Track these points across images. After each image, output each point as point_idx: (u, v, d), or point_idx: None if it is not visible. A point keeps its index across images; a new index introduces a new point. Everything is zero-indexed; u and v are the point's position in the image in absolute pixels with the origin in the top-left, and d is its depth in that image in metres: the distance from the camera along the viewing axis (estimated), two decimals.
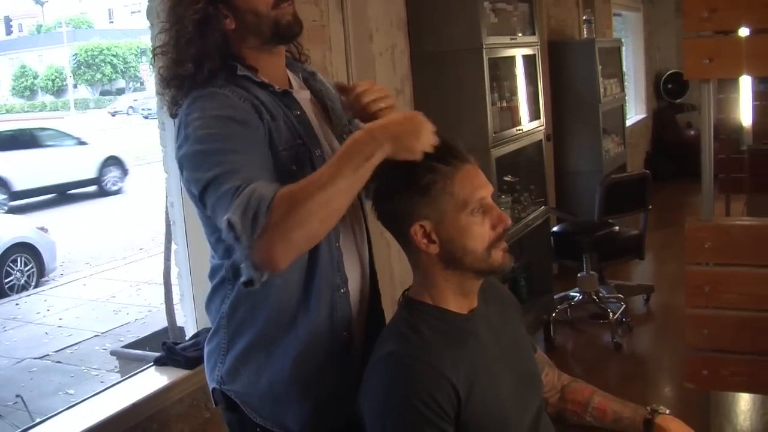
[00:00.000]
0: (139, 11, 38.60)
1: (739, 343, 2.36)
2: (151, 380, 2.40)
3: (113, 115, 30.04)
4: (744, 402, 3.58)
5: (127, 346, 3.15)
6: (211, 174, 1.40)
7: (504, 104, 4.05)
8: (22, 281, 8.35)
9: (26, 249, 8.41)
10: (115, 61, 36.33)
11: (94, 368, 5.89)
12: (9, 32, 38.47)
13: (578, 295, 4.87)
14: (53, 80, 36.79)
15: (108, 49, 36.08)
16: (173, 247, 2.66)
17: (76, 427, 2.13)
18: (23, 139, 12.98)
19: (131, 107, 30.57)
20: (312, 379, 1.59)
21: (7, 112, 34.25)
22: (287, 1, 1.58)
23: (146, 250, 9.57)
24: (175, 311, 2.75)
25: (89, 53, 35.85)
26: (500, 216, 1.47)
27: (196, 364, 2.37)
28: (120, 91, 36.81)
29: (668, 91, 9.92)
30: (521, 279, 4.41)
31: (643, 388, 3.98)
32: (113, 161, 13.96)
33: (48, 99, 36.00)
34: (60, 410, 2.26)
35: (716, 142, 2.36)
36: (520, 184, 4.28)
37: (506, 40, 4.04)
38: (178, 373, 2.41)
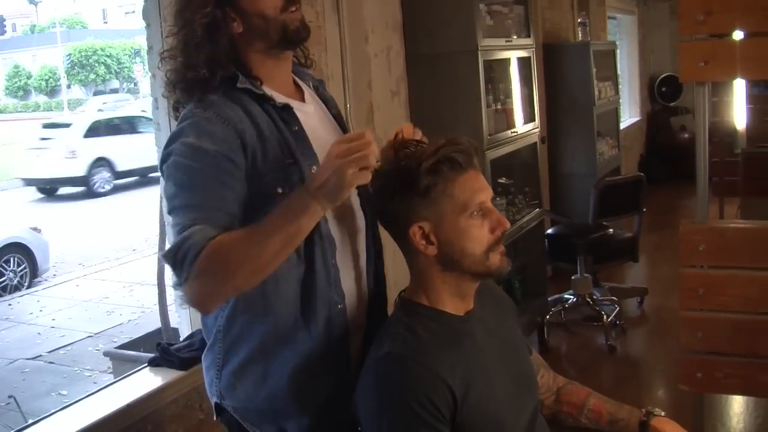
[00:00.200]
0: (133, 12, 38.56)
1: (733, 345, 2.36)
2: (146, 381, 2.40)
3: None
4: (737, 404, 3.58)
5: (120, 347, 3.14)
6: (172, 202, 1.47)
7: (499, 106, 4.06)
8: (15, 281, 8.33)
9: (19, 249, 8.38)
10: (108, 61, 36.23)
11: (87, 369, 5.87)
12: (2, 32, 38.35)
13: (572, 297, 4.88)
14: (47, 80, 36.69)
15: (102, 50, 35.99)
16: (167, 247, 2.64)
17: (70, 428, 2.12)
18: (124, 126, 14.80)
19: (99, 110, 30.38)
20: (310, 393, 1.59)
21: (0, 112, 34.15)
22: (295, 5, 1.57)
23: (139, 250, 9.55)
24: (169, 312, 2.75)
25: (83, 53, 35.76)
26: (499, 220, 1.47)
27: (190, 365, 2.36)
28: (114, 92, 36.70)
29: (662, 94, 9.95)
30: (515, 281, 4.41)
31: (637, 391, 3.99)
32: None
33: (41, 99, 35.89)
34: (53, 411, 2.25)
35: (710, 145, 2.36)
36: (514, 187, 4.28)
37: (501, 42, 4.05)
38: (173, 374, 2.40)
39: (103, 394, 2.35)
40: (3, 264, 8.23)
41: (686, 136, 9.48)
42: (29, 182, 14.26)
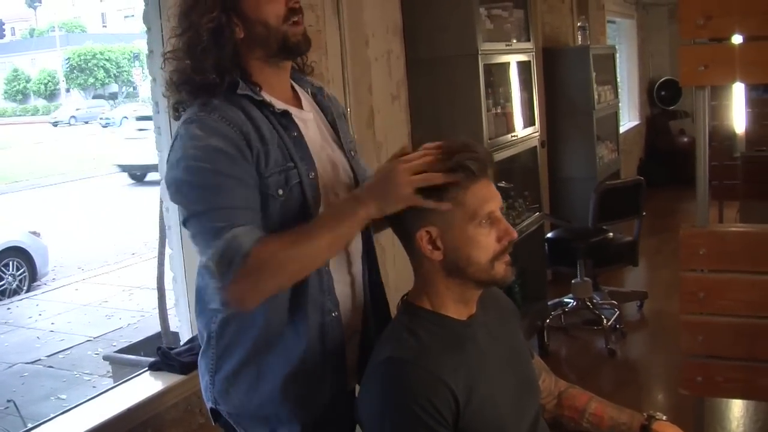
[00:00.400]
0: (132, 15, 38.60)
1: (733, 349, 2.36)
2: (146, 385, 2.39)
3: (54, 125, 29.53)
4: (737, 408, 3.59)
5: (119, 351, 3.14)
6: (195, 207, 1.46)
7: (499, 110, 4.06)
8: (14, 285, 8.32)
9: (18, 253, 8.38)
10: (108, 65, 36.29)
11: (87, 373, 5.86)
12: (2, 36, 38.31)
13: (572, 301, 4.88)
14: (46, 84, 36.74)
15: (101, 54, 36.05)
16: (168, 251, 2.64)
17: None
18: None
19: (73, 116, 30.13)
20: (303, 400, 1.59)
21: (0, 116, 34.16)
22: (297, 16, 1.58)
23: (139, 254, 9.54)
24: (169, 316, 2.74)
25: (82, 57, 35.81)
26: (507, 230, 1.47)
27: (190, 369, 2.35)
28: (113, 96, 36.74)
29: (661, 98, 9.95)
30: (515, 285, 4.40)
31: (637, 394, 3.99)
32: None
33: (40, 103, 35.91)
34: (54, 415, 2.25)
35: (709, 148, 2.36)
36: (514, 191, 4.28)
37: (501, 46, 4.05)
38: (173, 378, 2.39)
39: (103, 398, 2.35)
40: (2, 268, 8.23)
41: (685, 139, 9.49)
42: (124, 168, 15.84)
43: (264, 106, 1.56)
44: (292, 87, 1.70)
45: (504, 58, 4.14)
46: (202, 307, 1.65)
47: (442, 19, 3.72)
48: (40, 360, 6.25)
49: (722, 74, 2.29)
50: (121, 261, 9.46)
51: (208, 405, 1.68)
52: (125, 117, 28.97)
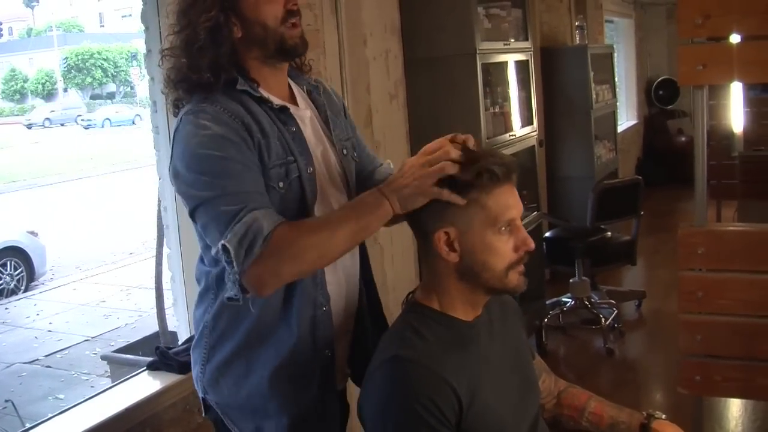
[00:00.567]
0: (130, 15, 38.61)
1: (732, 348, 2.36)
2: (144, 385, 2.39)
3: (29, 127, 29.22)
4: (736, 407, 3.59)
5: (117, 351, 3.13)
6: (205, 194, 1.44)
7: (497, 110, 4.06)
8: (12, 285, 8.31)
9: (16, 253, 8.37)
10: (105, 65, 36.26)
11: (84, 373, 5.86)
12: None
13: (570, 300, 4.88)
14: (43, 84, 36.68)
15: (98, 53, 36.01)
16: (166, 251, 2.64)
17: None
18: None
19: (47, 119, 29.79)
20: (291, 394, 1.60)
21: None
22: (296, 18, 1.58)
23: (136, 254, 9.54)
24: (167, 316, 2.74)
25: (80, 57, 35.77)
26: (525, 239, 1.46)
27: (189, 369, 2.33)
28: (110, 95, 36.73)
29: (659, 98, 9.96)
30: None
31: (635, 394, 3.99)
32: None
33: (38, 102, 35.84)
34: (52, 415, 2.24)
35: (708, 148, 2.36)
36: None
37: (499, 45, 4.05)
38: (171, 378, 2.39)
39: (101, 398, 2.34)
40: (0, 268, 8.22)
41: (683, 139, 9.50)
42: None
43: (263, 102, 1.57)
44: (289, 85, 1.71)
45: (502, 58, 4.15)
46: (200, 295, 1.67)
47: (440, 19, 3.72)
48: (38, 360, 6.25)
49: (720, 73, 2.29)
50: (119, 261, 9.46)
51: (201, 395, 1.70)
52: (107, 119, 28.99)
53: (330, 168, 1.66)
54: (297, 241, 1.41)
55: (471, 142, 1.48)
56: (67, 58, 35.77)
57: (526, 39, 4.43)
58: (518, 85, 4.34)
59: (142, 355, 2.69)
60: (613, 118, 6.60)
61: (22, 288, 8.41)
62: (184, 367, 2.39)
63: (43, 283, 8.74)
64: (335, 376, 1.67)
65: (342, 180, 1.69)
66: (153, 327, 2.86)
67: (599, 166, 5.90)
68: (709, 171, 2.35)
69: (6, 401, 4.81)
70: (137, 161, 17.02)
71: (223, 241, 1.38)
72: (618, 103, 7.26)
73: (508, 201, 1.44)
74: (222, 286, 1.57)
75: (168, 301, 2.71)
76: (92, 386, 5.26)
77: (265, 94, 1.58)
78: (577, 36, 6.13)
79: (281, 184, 1.52)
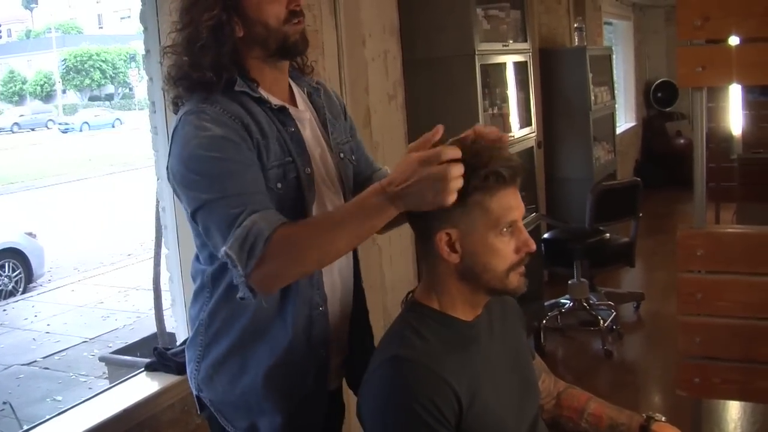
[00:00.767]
0: (129, 17, 38.62)
1: (730, 350, 2.36)
2: (142, 386, 2.38)
3: None
4: (734, 410, 3.59)
5: (115, 352, 3.14)
6: (206, 196, 1.44)
7: (495, 111, 4.06)
8: (10, 287, 8.31)
9: (14, 255, 8.37)
10: (104, 66, 36.27)
11: (82, 374, 5.86)
12: None
13: (569, 302, 4.87)
14: (42, 85, 36.69)
15: (97, 55, 36.03)
16: (164, 252, 2.64)
17: None
18: None
19: (16, 123, 29.37)
20: (285, 392, 1.60)
21: None
22: (298, 18, 1.58)
23: (134, 255, 9.53)
24: (165, 317, 2.73)
25: (78, 58, 35.79)
26: (526, 241, 1.45)
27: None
28: (109, 97, 36.73)
29: (658, 100, 9.97)
30: None
31: (634, 396, 3.98)
32: None
33: (36, 104, 35.84)
34: (49, 417, 2.23)
35: (706, 150, 2.36)
36: None
37: (498, 46, 4.05)
38: (169, 379, 2.38)
39: (99, 399, 2.33)
40: None
41: (682, 141, 9.51)
42: None
43: (262, 102, 1.57)
44: (290, 86, 1.71)
45: (501, 59, 4.15)
46: (195, 293, 1.67)
47: (439, 20, 3.72)
48: (35, 361, 6.24)
49: (719, 76, 2.29)
50: (117, 262, 9.46)
51: (195, 393, 1.70)
52: (86, 122, 28.74)
53: (327, 170, 1.66)
54: (298, 243, 1.40)
55: (493, 135, 1.43)
56: (65, 59, 35.79)
57: (525, 40, 4.43)
58: (517, 87, 4.34)
59: (141, 357, 2.69)
60: (611, 119, 6.60)
61: (20, 289, 8.40)
62: (182, 368, 2.37)
63: (41, 285, 8.73)
64: (328, 376, 1.68)
65: (338, 183, 1.69)
66: (151, 328, 2.85)
67: (598, 168, 5.90)
68: (708, 173, 2.34)
69: (4, 403, 4.81)
70: (134, 163, 17.02)
71: (225, 248, 1.39)
72: (616, 105, 7.27)
73: (511, 203, 1.43)
74: (217, 284, 1.58)
75: (166, 302, 2.70)
76: (90, 388, 5.25)
77: (264, 95, 1.58)
78: (576, 38, 6.12)
79: (279, 185, 1.52)
